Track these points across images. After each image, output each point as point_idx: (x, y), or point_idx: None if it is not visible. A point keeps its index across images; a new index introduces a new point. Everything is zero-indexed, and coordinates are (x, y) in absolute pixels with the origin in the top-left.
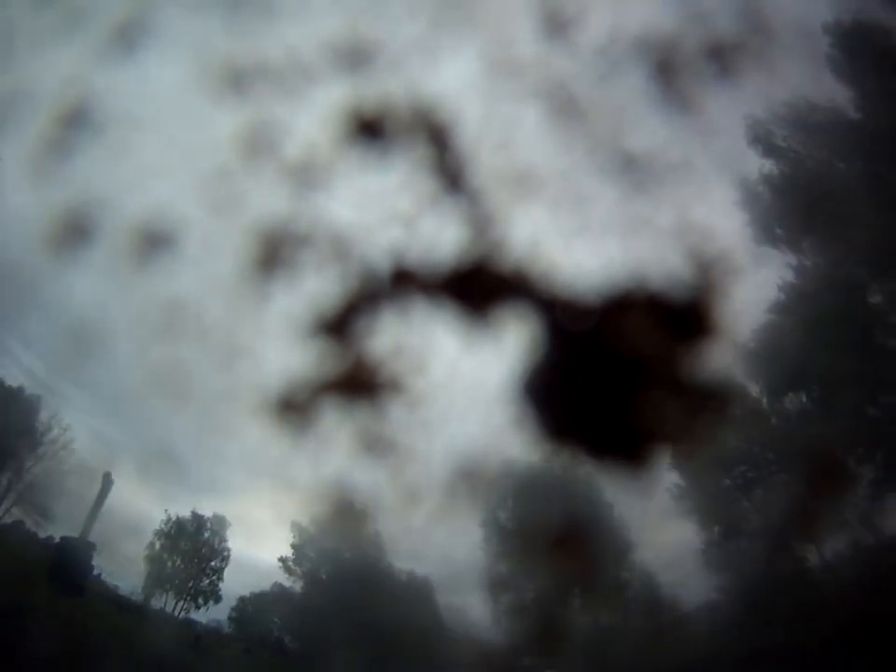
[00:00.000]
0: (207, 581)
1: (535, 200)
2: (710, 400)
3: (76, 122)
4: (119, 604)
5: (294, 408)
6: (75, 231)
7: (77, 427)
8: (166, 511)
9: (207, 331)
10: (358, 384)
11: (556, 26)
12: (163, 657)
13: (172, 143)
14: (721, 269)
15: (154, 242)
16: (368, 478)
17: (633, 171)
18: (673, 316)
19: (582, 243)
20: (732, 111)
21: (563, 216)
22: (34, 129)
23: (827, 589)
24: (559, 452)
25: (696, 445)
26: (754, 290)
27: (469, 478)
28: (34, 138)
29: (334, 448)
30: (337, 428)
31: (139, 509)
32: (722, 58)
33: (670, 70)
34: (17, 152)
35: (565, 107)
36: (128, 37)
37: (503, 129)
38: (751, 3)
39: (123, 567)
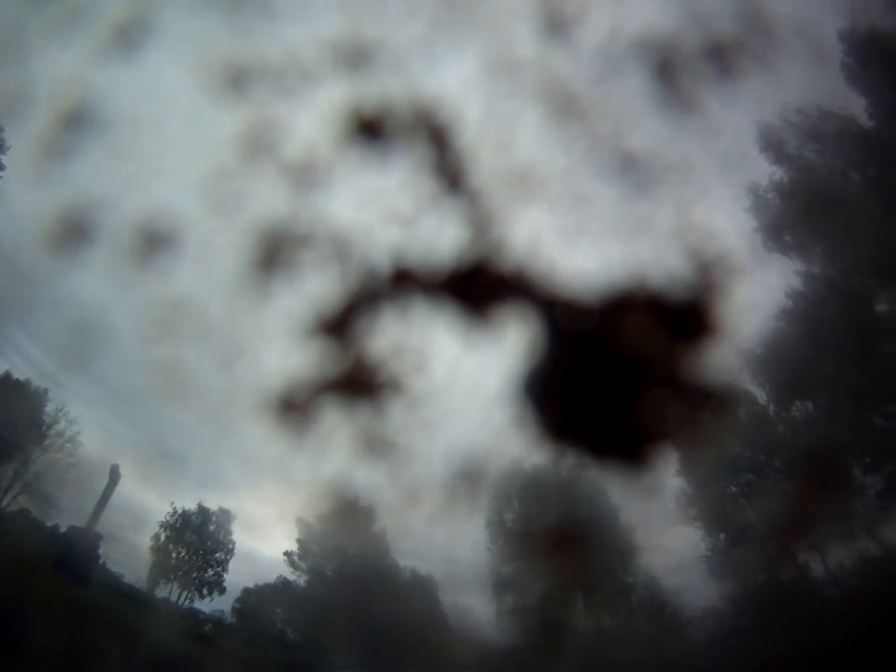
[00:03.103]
0: (212, 573)
1: (535, 200)
2: (712, 400)
3: (77, 122)
4: (123, 593)
5: (294, 407)
6: (77, 230)
7: (82, 420)
8: (172, 503)
9: (208, 330)
10: (358, 384)
11: (556, 26)
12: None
13: (172, 143)
14: (721, 269)
15: (155, 241)
16: (368, 477)
17: (633, 171)
18: (673, 316)
19: (582, 243)
20: (732, 111)
21: (563, 216)
22: (36, 129)
23: (831, 599)
24: (560, 452)
25: (698, 445)
26: (761, 293)
27: (470, 478)
28: (36, 138)
29: (335, 446)
30: (337, 427)
31: (145, 501)
32: (723, 58)
33: (670, 70)
34: (20, 152)
35: (565, 107)
36: (128, 37)
37: (503, 129)
38: (752, 3)
39: (128, 558)
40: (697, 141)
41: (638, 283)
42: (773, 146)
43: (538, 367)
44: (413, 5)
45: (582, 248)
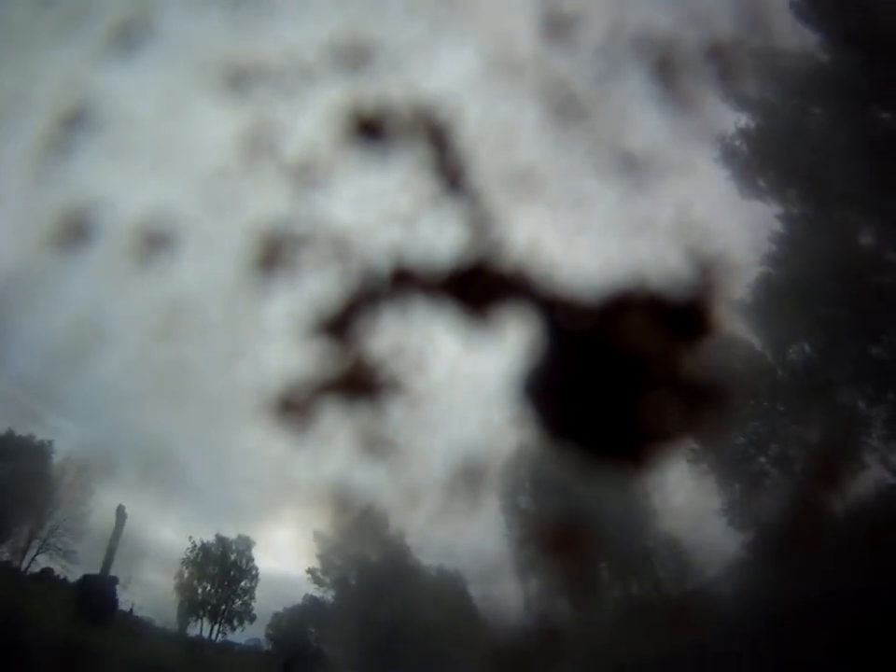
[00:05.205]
0: (240, 602)
1: (535, 200)
2: (713, 393)
3: (75, 122)
4: (153, 635)
5: (297, 410)
6: (74, 233)
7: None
8: (190, 538)
9: (208, 331)
10: (358, 384)
11: (556, 26)
12: None
13: (172, 143)
14: (721, 268)
15: (154, 242)
16: (376, 479)
17: (633, 171)
18: (673, 316)
19: (582, 243)
20: (732, 111)
21: (563, 216)
22: (33, 129)
23: (852, 533)
24: (562, 451)
25: (703, 438)
26: (747, 243)
27: (473, 473)
28: (33, 138)
29: (340, 451)
30: (340, 429)
31: (162, 539)
32: (723, 57)
33: (670, 70)
34: (16, 152)
35: (565, 107)
36: (128, 37)
37: (503, 129)
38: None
39: (155, 601)
40: (697, 141)
41: (638, 283)
42: (733, 91)
43: (538, 366)
44: (412, 5)
45: (582, 248)
